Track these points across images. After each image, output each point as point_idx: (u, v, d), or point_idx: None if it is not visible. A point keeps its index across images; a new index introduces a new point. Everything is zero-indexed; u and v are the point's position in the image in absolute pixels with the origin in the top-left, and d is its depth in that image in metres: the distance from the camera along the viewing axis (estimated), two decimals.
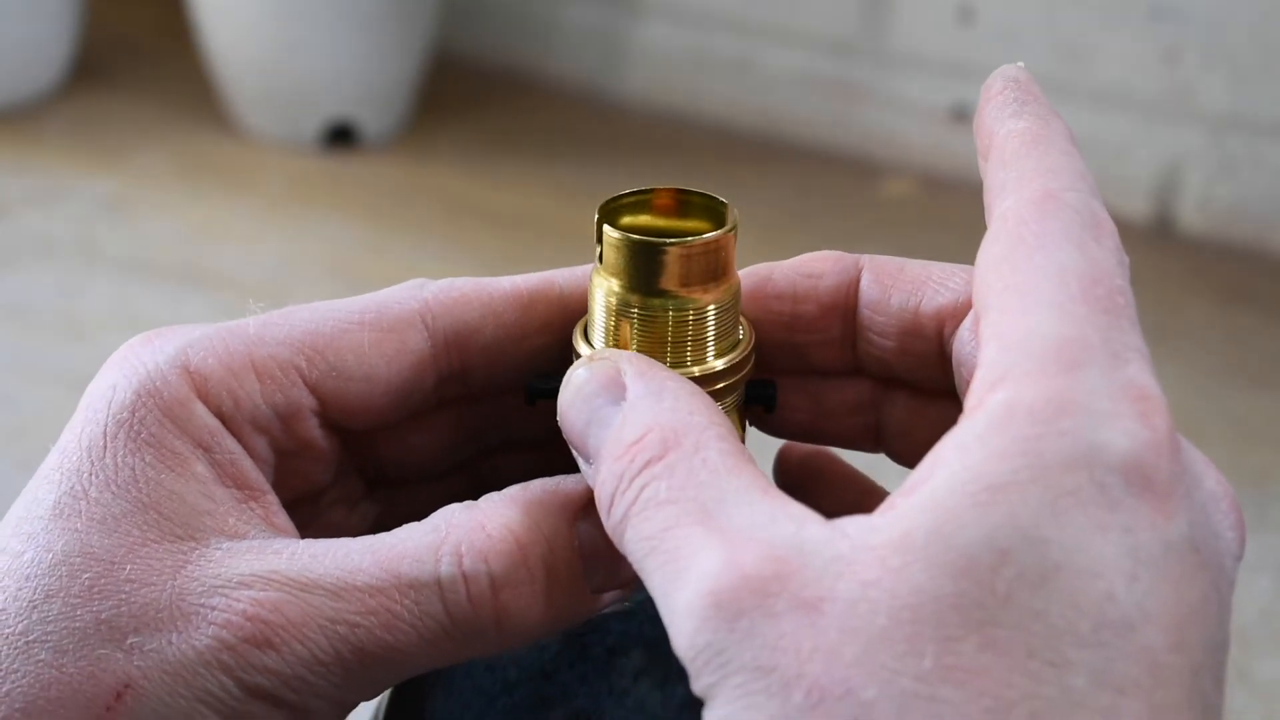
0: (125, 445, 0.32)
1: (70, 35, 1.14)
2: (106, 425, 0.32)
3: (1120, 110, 1.01)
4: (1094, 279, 0.28)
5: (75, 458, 0.32)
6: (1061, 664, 0.25)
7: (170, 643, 0.30)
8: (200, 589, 0.30)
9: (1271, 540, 0.74)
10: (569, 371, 0.32)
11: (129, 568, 0.30)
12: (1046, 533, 0.25)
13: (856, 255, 0.35)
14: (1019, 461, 0.26)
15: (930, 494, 0.26)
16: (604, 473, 0.29)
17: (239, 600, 0.30)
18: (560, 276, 0.35)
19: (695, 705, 0.32)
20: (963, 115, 1.05)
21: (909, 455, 0.36)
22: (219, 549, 0.31)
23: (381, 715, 0.37)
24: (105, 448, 0.31)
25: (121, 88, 1.16)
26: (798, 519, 0.27)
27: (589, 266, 0.35)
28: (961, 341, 0.33)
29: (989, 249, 0.30)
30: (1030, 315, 0.28)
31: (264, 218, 1.01)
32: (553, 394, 0.33)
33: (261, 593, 0.30)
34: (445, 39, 1.18)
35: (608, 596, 0.32)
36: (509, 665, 0.33)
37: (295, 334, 0.33)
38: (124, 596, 0.30)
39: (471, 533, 0.31)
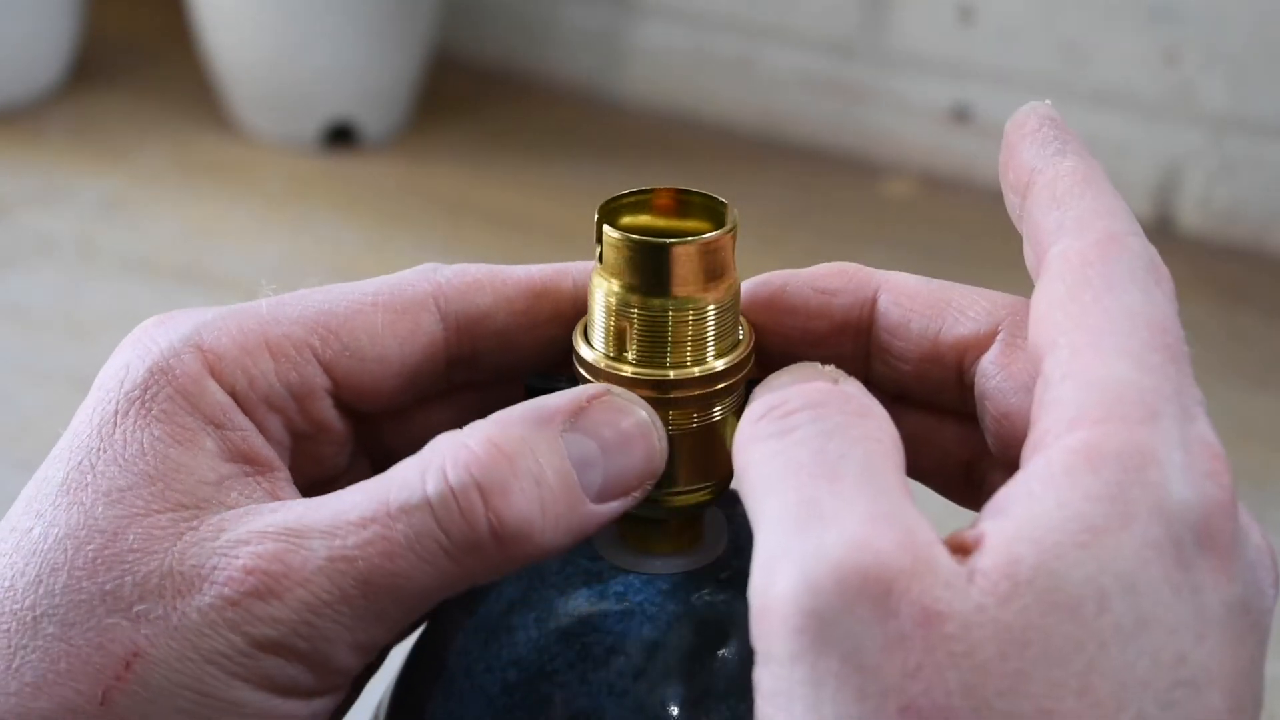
0: (135, 421, 0.32)
1: (70, 35, 1.14)
2: (118, 403, 0.32)
3: (1120, 110, 1.01)
4: (1162, 326, 0.29)
5: (85, 435, 0.32)
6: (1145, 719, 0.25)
7: (175, 608, 0.30)
8: (200, 553, 0.30)
9: (1272, 540, 0.74)
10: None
11: (131, 537, 0.30)
12: (1138, 583, 0.26)
13: (872, 271, 0.35)
14: (1113, 507, 0.26)
15: (1029, 525, 0.26)
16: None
17: (238, 557, 0.30)
18: (574, 268, 0.35)
19: (696, 705, 0.32)
20: (963, 115, 1.05)
21: (919, 472, 0.36)
22: (219, 516, 0.31)
23: (382, 716, 0.37)
24: (115, 425, 0.32)
25: (121, 88, 1.16)
26: (930, 529, 0.27)
27: None
28: (985, 374, 0.33)
29: (1052, 287, 0.30)
30: (1106, 358, 0.28)
31: (264, 218, 1.01)
32: (551, 393, 0.33)
33: (259, 546, 0.30)
34: (445, 39, 1.18)
35: (613, 506, 0.32)
36: (509, 666, 0.33)
37: (309, 313, 0.34)
38: (127, 566, 0.30)
39: (455, 450, 0.31)
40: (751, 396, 0.31)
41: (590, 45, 1.17)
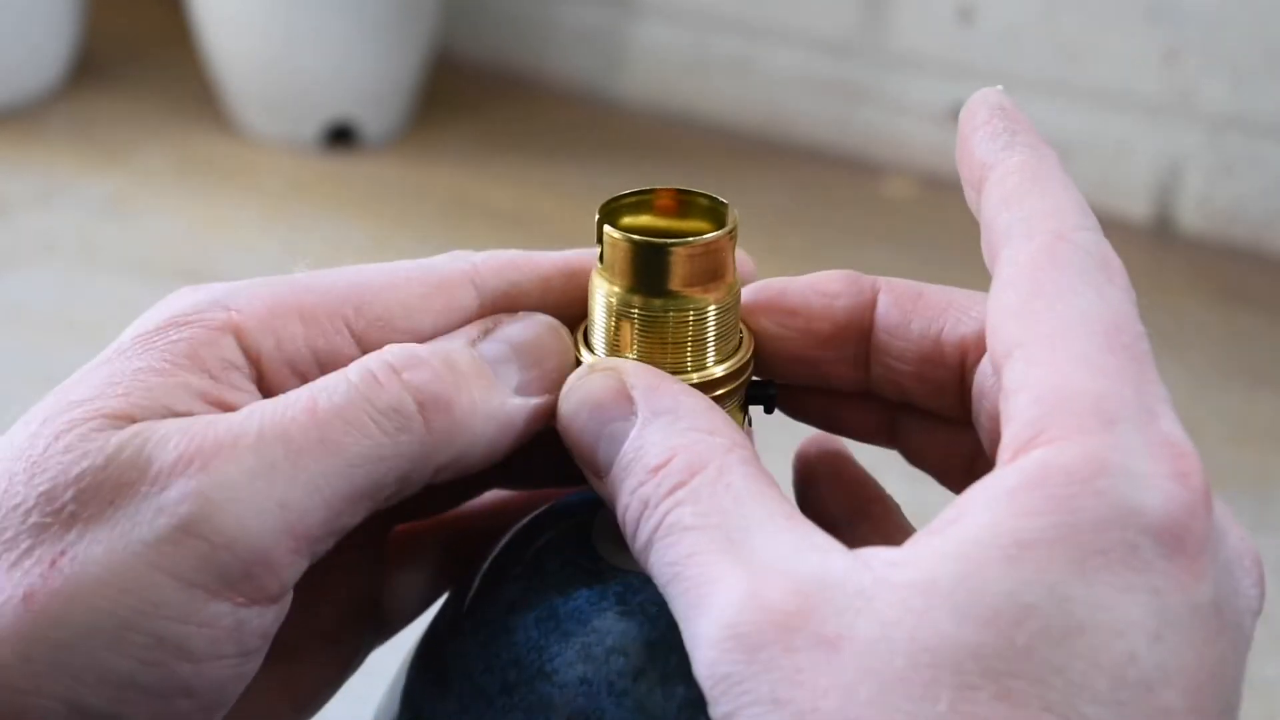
0: (128, 354, 0.32)
1: (70, 35, 1.14)
2: (122, 342, 0.32)
3: (1120, 110, 1.01)
4: (1116, 325, 0.28)
5: (81, 370, 0.32)
6: (1076, 719, 0.25)
7: (106, 502, 0.30)
8: (132, 447, 0.30)
9: (1272, 540, 0.74)
10: (568, 380, 0.32)
11: (70, 438, 0.30)
12: (1072, 591, 0.26)
13: (873, 277, 0.35)
14: (1050, 520, 0.26)
15: (958, 542, 0.26)
16: (625, 498, 0.30)
17: (168, 442, 0.30)
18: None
19: (695, 705, 0.32)
20: None
21: (922, 463, 0.36)
22: (160, 421, 0.31)
23: (383, 716, 0.37)
24: (109, 358, 0.32)
25: (121, 88, 1.16)
26: (821, 549, 0.27)
27: None
28: (984, 374, 0.33)
29: (1004, 295, 0.30)
30: (1061, 367, 0.28)
31: (264, 218, 1.01)
32: None
33: (190, 430, 0.30)
34: (445, 39, 1.18)
35: (537, 402, 0.33)
36: (509, 666, 0.33)
37: (343, 285, 0.34)
38: (62, 467, 0.30)
39: (371, 355, 0.32)
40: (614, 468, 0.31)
41: (590, 45, 1.17)
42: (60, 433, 0.30)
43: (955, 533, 0.27)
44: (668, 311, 0.33)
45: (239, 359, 0.32)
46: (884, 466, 0.38)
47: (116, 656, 0.29)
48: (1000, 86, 0.33)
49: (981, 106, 0.32)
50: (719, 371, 0.33)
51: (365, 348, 0.33)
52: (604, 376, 0.31)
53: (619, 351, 0.33)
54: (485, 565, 0.36)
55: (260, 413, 0.31)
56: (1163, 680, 0.26)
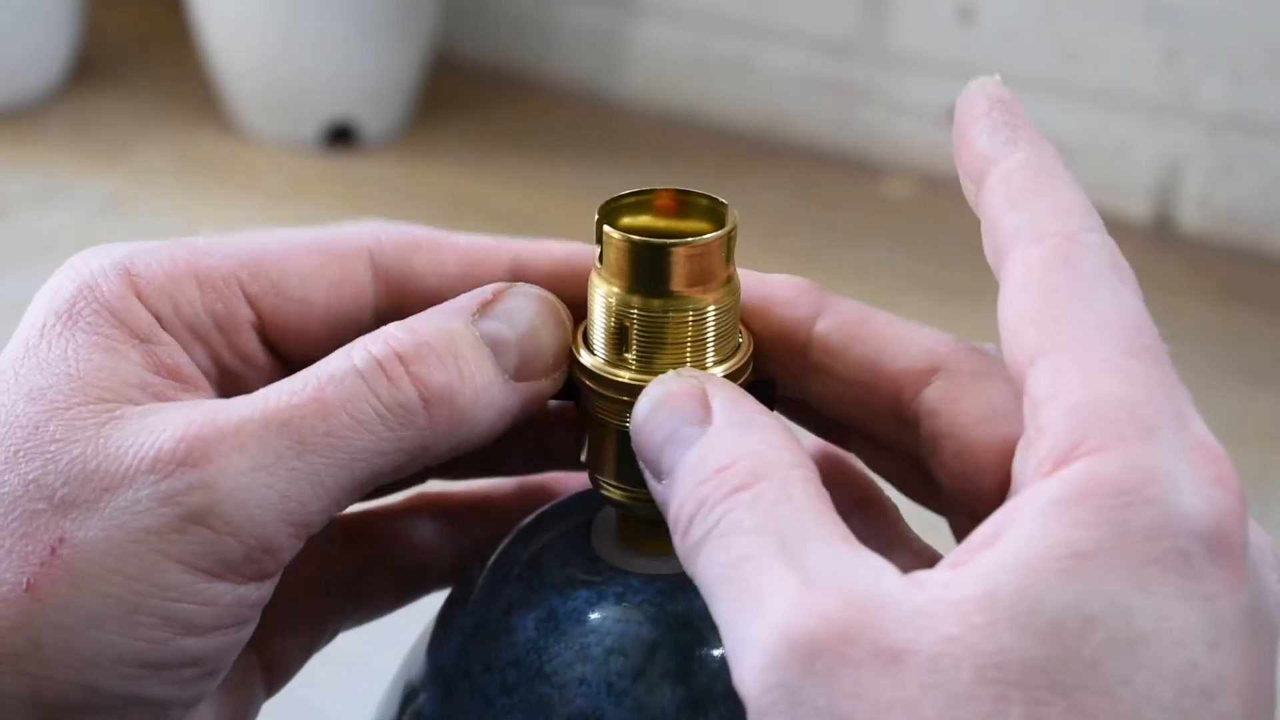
0: (60, 332, 0.32)
1: (70, 35, 1.14)
2: (45, 318, 0.32)
3: (1120, 110, 1.01)
4: (1137, 328, 0.28)
5: (11, 349, 0.32)
6: None
7: (102, 490, 0.30)
8: (125, 434, 0.30)
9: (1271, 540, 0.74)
10: (651, 384, 0.32)
11: (53, 428, 0.30)
12: (1133, 601, 0.26)
13: (824, 293, 0.35)
14: (1104, 530, 0.26)
15: (1013, 555, 0.26)
16: (684, 493, 0.29)
17: (165, 429, 0.30)
18: (515, 244, 0.36)
19: (695, 705, 0.32)
20: None
21: (878, 473, 0.36)
22: (144, 407, 0.31)
23: (383, 716, 0.37)
24: (41, 337, 0.32)
25: (121, 88, 1.16)
26: (876, 569, 0.27)
27: (550, 242, 0.35)
28: (932, 412, 0.33)
29: (1018, 301, 0.29)
30: (1091, 375, 0.28)
31: (264, 217, 1.01)
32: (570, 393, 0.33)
33: (190, 416, 0.30)
34: (445, 39, 1.18)
35: (537, 385, 0.33)
36: (508, 666, 0.33)
37: (242, 250, 0.34)
38: (50, 455, 0.30)
39: (375, 335, 0.32)
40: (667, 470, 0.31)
41: (590, 45, 1.17)
42: (38, 422, 0.30)
43: (1007, 546, 0.26)
44: (667, 312, 0.33)
45: (149, 317, 0.33)
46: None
47: (126, 639, 0.30)
48: (997, 76, 0.33)
49: (980, 97, 0.32)
50: (719, 372, 0.33)
51: (260, 313, 0.34)
52: (686, 381, 0.31)
53: (619, 352, 0.33)
54: (485, 565, 0.36)
55: (264, 400, 0.31)
56: (1221, 686, 0.26)
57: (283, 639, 0.37)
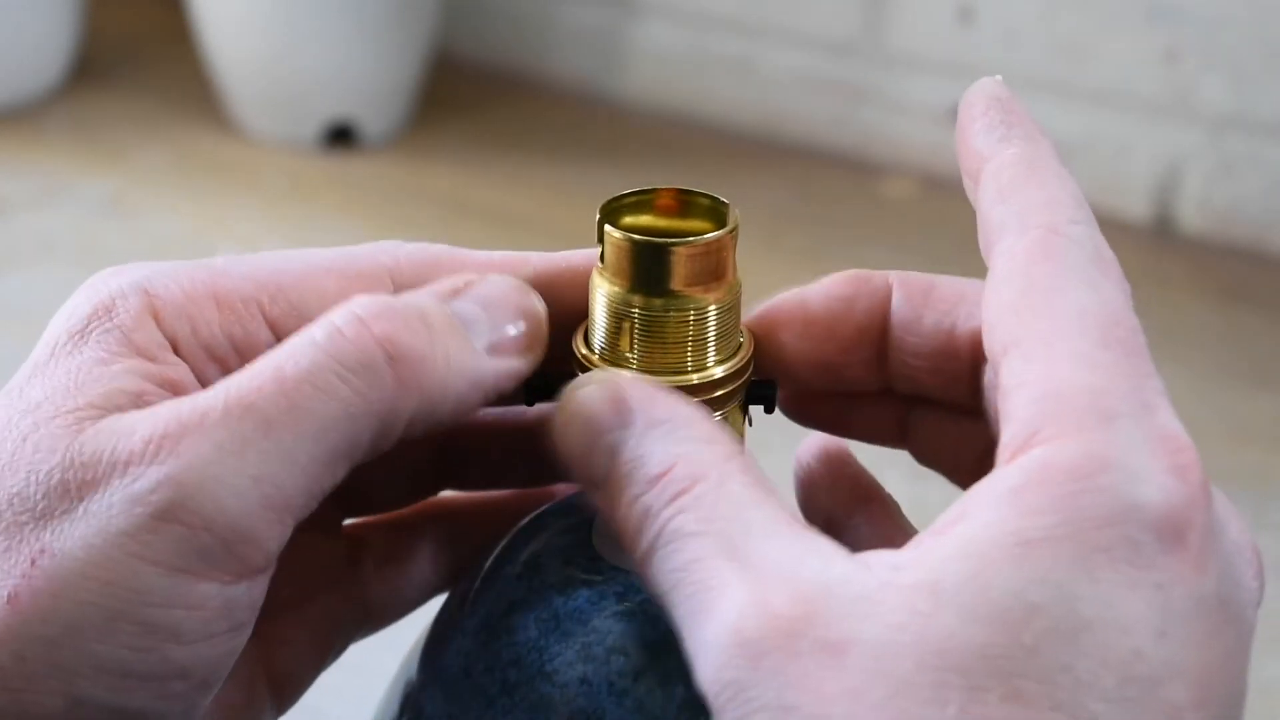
0: (70, 350, 0.32)
1: (70, 35, 1.14)
2: (59, 338, 0.32)
3: (1120, 110, 1.01)
4: (1113, 320, 0.28)
5: (23, 369, 0.32)
6: (1084, 718, 0.25)
7: (79, 498, 0.30)
8: (99, 440, 0.30)
9: (1271, 540, 0.74)
10: (565, 391, 0.32)
11: (37, 438, 0.30)
12: (1078, 589, 0.26)
13: (885, 273, 0.35)
14: (1054, 518, 0.26)
15: (962, 543, 0.26)
16: (625, 504, 0.30)
17: (134, 432, 0.30)
18: (534, 257, 0.35)
19: (695, 705, 0.32)
20: None
21: (932, 462, 0.36)
22: (126, 413, 0.31)
23: (383, 716, 0.37)
24: (51, 355, 0.32)
25: (121, 88, 1.16)
26: (823, 554, 0.27)
27: (568, 252, 0.35)
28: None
29: (999, 292, 0.30)
30: (1058, 364, 0.28)
31: (264, 218, 1.01)
32: (553, 391, 0.33)
33: (155, 416, 0.30)
34: (445, 39, 1.18)
35: (509, 363, 0.33)
36: (509, 666, 0.33)
37: (261, 272, 0.34)
38: (31, 467, 0.30)
39: (340, 308, 0.31)
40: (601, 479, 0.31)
41: (590, 45, 1.17)
42: (26, 434, 0.30)
43: (959, 533, 0.27)
44: (668, 311, 0.33)
45: (161, 339, 0.32)
46: (884, 466, 0.38)
47: (109, 647, 0.29)
48: (999, 76, 0.33)
49: (980, 97, 0.32)
50: (719, 372, 0.33)
51: (280, 336, 0.33)
52: (600, 386, 0.31)
53: (619, 351, 0.33)
54: (485, 565, 0.36)
55: (225, 388, 0.30)
56: (1169, 675, 0.26)
57: (290, 656, 0.37)
